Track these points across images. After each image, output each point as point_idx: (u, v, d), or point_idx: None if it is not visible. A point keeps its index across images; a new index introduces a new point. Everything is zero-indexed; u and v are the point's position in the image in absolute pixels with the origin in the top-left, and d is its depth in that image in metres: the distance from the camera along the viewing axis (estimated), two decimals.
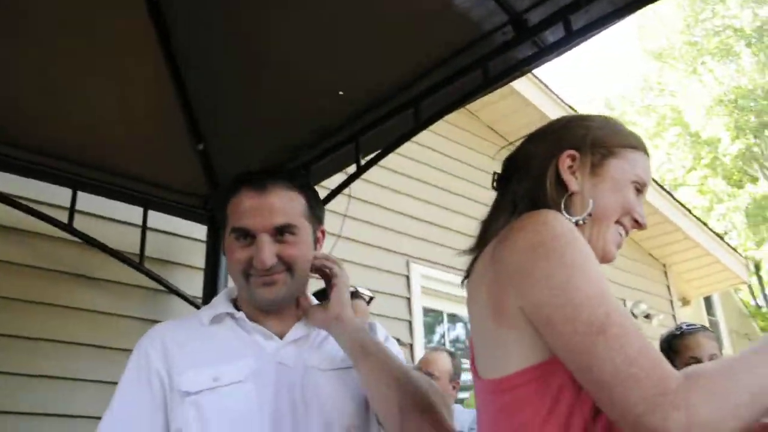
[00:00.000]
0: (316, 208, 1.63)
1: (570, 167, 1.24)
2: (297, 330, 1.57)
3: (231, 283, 1.65)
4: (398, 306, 4.72)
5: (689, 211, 8.11)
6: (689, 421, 0.90)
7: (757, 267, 17.85)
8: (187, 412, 1.41)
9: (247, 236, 1.51)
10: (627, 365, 0.95)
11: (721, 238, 8.68)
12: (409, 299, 4.80)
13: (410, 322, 4.75)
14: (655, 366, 0.95)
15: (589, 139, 1.27)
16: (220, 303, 1.61)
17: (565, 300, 1.02)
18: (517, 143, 1.37)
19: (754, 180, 18.61)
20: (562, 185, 1.23)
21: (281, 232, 1.52)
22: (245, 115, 2.95)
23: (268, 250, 1.49)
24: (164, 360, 1.47)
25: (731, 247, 8.85)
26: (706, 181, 18.81)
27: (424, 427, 1.44)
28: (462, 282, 1.30)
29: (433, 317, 5.38)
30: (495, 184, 1.35)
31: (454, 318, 5.55)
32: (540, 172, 1.25)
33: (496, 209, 1.31)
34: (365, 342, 1.49)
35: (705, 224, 8.36)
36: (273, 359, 1.51)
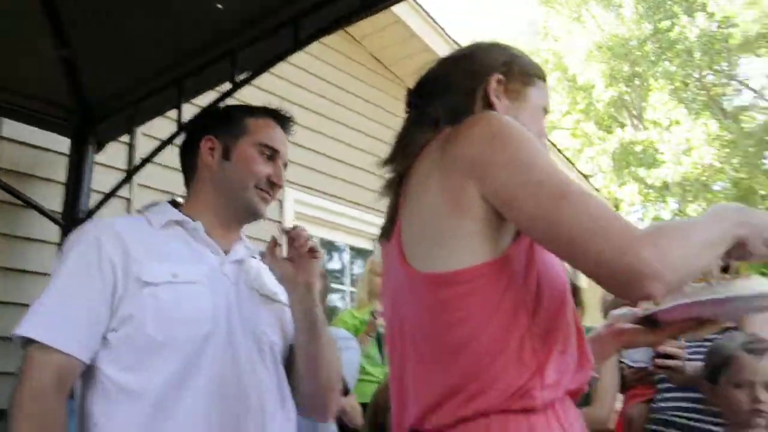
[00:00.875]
0: None
1: (495, 90, 1.31)
2: (238, 251, 1.71)
3: (95, 197, 1.63)
4: (269, 230, 4.63)
5: (559, 151, 8.47)
6: (662, 255, 1.02)
7: (616, 207, 19.01)
8: (144, 300, 1.50)
9: (271, 156, 1.72)
10: (593, 221, 1.06)
11: (587, 178, 9.15)
12: (280, 223, 4.76)
13: (281, 247, 4.71)
14: (618, 218, 1.07)
15: (515, 67, 1.36)
16: (168, 211, 1.69)
17: (528, 178, 1.11)
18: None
19: (623, 126, 19.62)
20: (488, 107, 1.30)
21: (284, 167, 1.78)
22: (116, 24, 2.78)
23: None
24: (120, 249, 1.54)
25: (595, 188, 9.37)
26: (579, 125, 19.65)
27: (328, 405, 1.74)
28: (386, 190, 1.35)
29: None
30: (410, 101, 1.39)
31: (328, 245, 5.60)
32: (467, 93, 1.32)
33: (414, 125, 1.35)
34: (319, 318, 1.67)
35: (573, 164, 8.78)
36: (220, 271, 1.63)
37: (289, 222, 4.83)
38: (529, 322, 1.14)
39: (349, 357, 2.93)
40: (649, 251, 1.02)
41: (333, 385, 1.74)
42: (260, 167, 1.70)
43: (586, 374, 1.23)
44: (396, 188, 1.32)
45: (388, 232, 1.33)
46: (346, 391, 2.87)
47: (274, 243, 1.71)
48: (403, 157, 1.32)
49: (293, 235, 1.68)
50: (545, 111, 1.39)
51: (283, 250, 1.72)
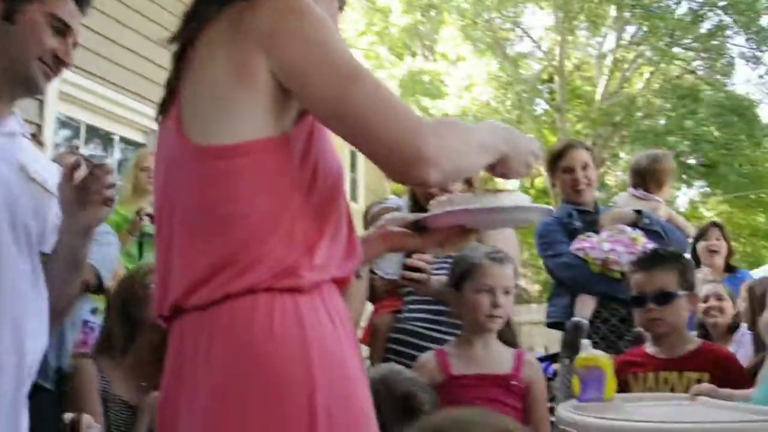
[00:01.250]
0: None
1: None
2: (11, 125, 1.57)
3: None
4: (28, 108, 4.20)
5: None
6: (442, 144, 1.10)
7: None
8: None
9: (60, 30, 1.59)
10: (383, 104, 1.11)
11: None
12: (41, 101, 4.33)
13: (41, 127, 4.33)
14: (406, 106, 1.12)
15: None
16: None
17: (322, 56, 1.12)
18: None
19: (414, 55, 20.21)
20: None
21: (74, 46, 1.65)
22: None
23: None
24: None
25: None
26: (372, 47, 19.93)
27: (53, 323, 1.68)
28: (176, 61, 1.27)
29: (70, 128, 5.02)
30: None
31: (93, 131, 5.24)
32: None
33: (201, 2, 1.28)
34: (79, 261, 1.64)
35: None
36: None
37: (51, 102, 4.44)
38: (303, 202, 1.17)
39: (108, 252, 2.82)
40: (433, 139, 1.09)
41: (63, 309, 1.73)
42: (47, 39, 1.57)
43: (354, 264, 1.28)
44: (177, 61, 1.27)
45: (166, 107, 1.28)
46: (101, 287, 2.75)
47: (74, 165, 1.57)
48: (188, 29, 1.27)
49: (97, 174, 1.54)
50: (341, 3, 1.40)
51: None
